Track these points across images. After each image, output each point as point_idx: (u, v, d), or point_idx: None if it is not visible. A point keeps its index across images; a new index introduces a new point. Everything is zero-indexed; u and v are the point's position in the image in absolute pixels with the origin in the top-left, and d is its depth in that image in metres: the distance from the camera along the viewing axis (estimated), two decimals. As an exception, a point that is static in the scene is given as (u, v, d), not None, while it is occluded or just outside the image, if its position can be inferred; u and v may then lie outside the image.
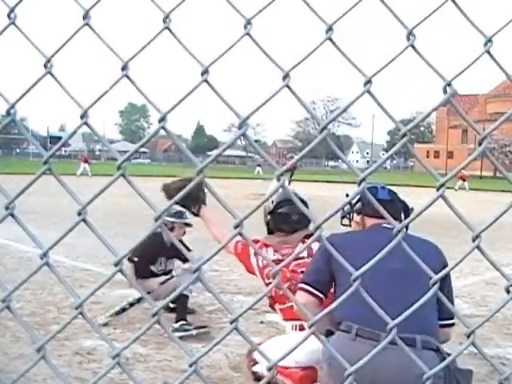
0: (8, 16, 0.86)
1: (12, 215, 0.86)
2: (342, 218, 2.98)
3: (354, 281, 0.86)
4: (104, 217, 11.17)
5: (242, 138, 0.84)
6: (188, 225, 5.19)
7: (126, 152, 0.95)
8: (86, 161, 34.21)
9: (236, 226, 0.81)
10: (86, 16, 0.84)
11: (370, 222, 2.73)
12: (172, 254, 5.14)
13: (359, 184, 0.85)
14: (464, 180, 30.78)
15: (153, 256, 5.09)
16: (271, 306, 3.47)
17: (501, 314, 5.33)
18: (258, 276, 3.43)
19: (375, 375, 2.04)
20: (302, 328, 3.19)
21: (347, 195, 3.18)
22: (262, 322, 5.10)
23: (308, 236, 3.47)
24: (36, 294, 5.74)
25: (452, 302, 2.49)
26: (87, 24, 0.84)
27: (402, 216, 2.71)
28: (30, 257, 7.42)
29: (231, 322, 0.84)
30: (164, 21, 0.82)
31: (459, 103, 58.86)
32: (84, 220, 0.84)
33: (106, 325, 4.77)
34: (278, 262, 3.31)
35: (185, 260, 5.16)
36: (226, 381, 3.79)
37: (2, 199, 0.85)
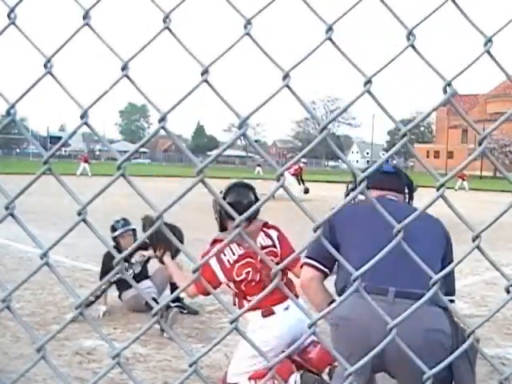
0: (8, 16, 0.86)
1: (12, 215, 0.86)
2: (346, 195, 3.00)
3: (354, 281, 0.86)
4: (104, 217, 11.13)
5: (242, 137, 0.84)
6: (134, 230, 5.42)
7: (126, 152, 0.95)
8: (85, 160, 34.20)
9: (236, 226, 0.81)
10: (85, 16, 0.84)
11: (374, 194, 2.66)
12: (129, 258, 5.25)
13: (359, 184, 0.85)
14: (463, 179, 30.79)
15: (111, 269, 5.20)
16: (240, 300, 3.43)
17: (501, 314, 5.33)
18: (225, 282, 3.36)
19: (385, 329, 2.02)
20: (271, 313, 3.24)
21: (347, 187, 3.14)
22: (262, 322, 5.09)
23: (265, 225, 3.52)
24: (36, 294, 5.74)
25: (453, 278, 2.47)
26: (87, 24, 0.84)
27: (406, 190, 2.71)
28: (30, 257, 7.42)
29: (231, 322, 0.84)
30: (164, 21, 0.82)
31: (459, 103, 58.86)
32: (84, 220, 0.84)
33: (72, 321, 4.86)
34: (245, 255, 3.34)
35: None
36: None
37: (2, 199, 0.85)
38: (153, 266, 5.47)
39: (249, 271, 3.35)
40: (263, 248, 3.41)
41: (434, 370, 0.91)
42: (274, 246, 3.47)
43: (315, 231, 0.84)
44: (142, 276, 5.38)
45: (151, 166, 66.15)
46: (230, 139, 0.95)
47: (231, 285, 3.41)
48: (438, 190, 0.86)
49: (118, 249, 5.35)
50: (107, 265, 5.25)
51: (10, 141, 74.86)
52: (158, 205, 0.82)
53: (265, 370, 3.16)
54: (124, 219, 5.46)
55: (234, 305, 3.49)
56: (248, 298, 3.36)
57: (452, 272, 2.51)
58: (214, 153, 0.88)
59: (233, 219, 3.33)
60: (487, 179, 47.30)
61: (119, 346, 0.84)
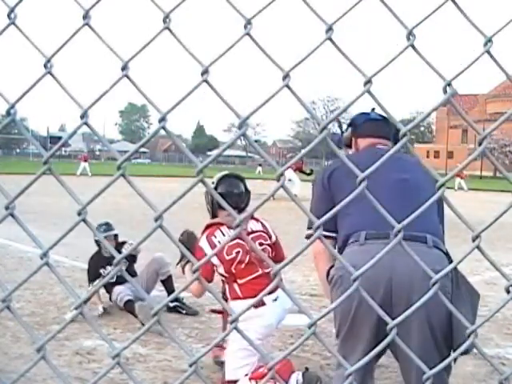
0: (8, 16, 0.86)
1: (12, 215, 0.86)
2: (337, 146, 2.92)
3: (354, 281, 0.86)
4: (104, 217, 11.15)
5: (241, 137, 0.84)
6: (116, 236, 5.47)
7: (126, 152, 0.95)
8: (85, 160, 34.26)
9: (236, 226, 0.81)
10: (86, 16, 0.84)
11: (363, 143, 2.64)
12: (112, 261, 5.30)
13: (359, 184, 0.85)
14: (462, 178, 30.79)
15: (97, 271, 5.29)
16: (230, 286, 3.51)
17: (501, 314, 5.33)
18: (216, 265, 3.48)
19: (391, 272, 2.03)
20: (262, 303, 3.29)
21: (340, 125, 3.02)
22: (262, 322, 5.09)
23: (253, 217, 3.66)
24: (36, 294, 5.74)
25: (442, 224, 2.47)
26: (87, 24, 0.84)
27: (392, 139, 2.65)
28: (30, 257, 7.42)
29: (231, 322, 0.84)
30: (164, 21, 0.82)
31: (459, 103, 58.86)
32: (84, 220, 0.84)
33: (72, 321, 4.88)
34: (235, 237, 3.38)
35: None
36: (226, 381, 3.79)
37: (2, 199, 0.84)
38: (140, 266, 5.49)
39: (239, 251, 3.47)
40: (253, 232, 3.57)
41: (434, 371, 0.91)
42: (264, 232, 3.62)
43: (315, 231, 0.84)
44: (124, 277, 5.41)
45: (151, 165, 66.14)
46: (230, 139, 0.95)
47: (221, 269, 3.49)
48: (437, 190, 0.86)
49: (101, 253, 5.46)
50: (93, 268, 5.34)
51: (10, 141, 74.86)
52: (157, 205, 0.82)
53: (265, 370, 3.20)
54: (107, 224, 5.49)
55: (224, 294, 3.57)
56: (238, 281, 3.45)
57: (442, 219, 2.48)
58: (214, 153, 0.88)
59: (223, 209, 3.33)
60: (487, 179, 47.31)
61: (119, 346, 0.84)
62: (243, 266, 3.45)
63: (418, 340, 2.05)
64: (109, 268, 5.25)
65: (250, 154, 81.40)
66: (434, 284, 0.90)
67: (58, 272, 0.88)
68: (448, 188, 0.90)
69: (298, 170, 19.11)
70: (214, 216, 3.65)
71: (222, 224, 3.56)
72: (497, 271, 0.95)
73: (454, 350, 2.14)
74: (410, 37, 0.84)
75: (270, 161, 0.92)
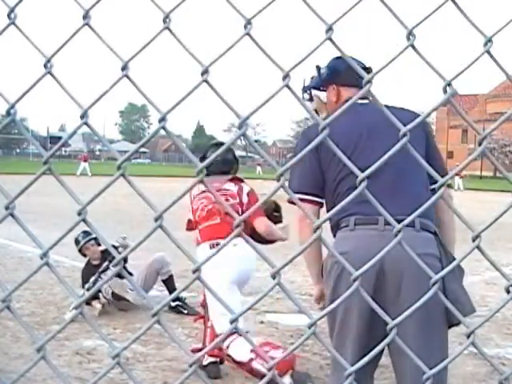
0: (8, 16, 0.86)
1: (12, 215, 0.85)
2: (303, 92, 2.56)
3: (354, 280, 0.86)
4: (104, 217, 11.17)
5: (241, 137, 0.84)
6: (96, 239, 5.42)
7: (126, 152, 0.95)
8: (85, 160, 34.38)
9: (236, 226, 0.81)
10: (86, 16, 0.84)
11: (347, 93, 2.38)
12: (104, 268, 5.32)
13: (359, 184, 0.85)
14: (461, 177, 30.75)
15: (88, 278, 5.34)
16: (191, 229, 3.98)
17: (501, 314, 5.33)
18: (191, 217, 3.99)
19: (382, 260, 1.97)
20: (218, 245, 3.65)
21: (318, 67, 2.74)
22: (261, 322, 5.10)
23: (235, 178, 4.03)
24: (36, 294, 5.74)
25: (441, 159, 2.40)
26: (87, 24, 0.84)
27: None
28: (30, 257, 7.42)
29: (231, 322, 0.84)
30: (164, 21, 0.82)
31: (459, 103, 58.86)
32: (84, 220, 0.84)
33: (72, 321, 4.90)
34: (206, 191, 3.86)
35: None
36: (226, 381, 3.80)
37: (2, 199, 0.84)
38: (136, 267, 5.49)
39: (203, 202, 3.94)
40: (223, 190, 3.91)
41: (434, 370, 0.91)
42: (236, 193, 3.90)
43: (315, 231, 0.84)
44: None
45: (151, 165, 66.14)
46: (230, 139, 0.95)
47: (191, 217, 3.98)
48: (437, 190, 0.86)
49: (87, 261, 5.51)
50: (85, 277, 5.36)
51: (10, 141, 74.84)
52: (157, 205, 0.82)
53: (269, 349, 3.46)
54: (84, 232, 5.37)
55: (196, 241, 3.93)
56: (199, 227, 3.90)
57: (438, 154, 2.37)
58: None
59: (212, 174, 3.84)
60: (487, 179, 47.30)
61: (119, 346, 0.84)
62: (204, 213, 3.88)
63: (415, 325, 2.03)
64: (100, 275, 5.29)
65: (250, 154, 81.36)
66: (433, 284, 0.90)
67: (57, 272, 0.88)
68: (448, 187, 0.90)
69: None
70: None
71: (201, 181, 3.91)
72: (497, 271, 0.95)
73: (450, 326, 2.15)
74: (410, 37, 0.84)
75: (270, 161, 0.92)
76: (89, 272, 5.34)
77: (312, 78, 2.59)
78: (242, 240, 3.28)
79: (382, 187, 1.91)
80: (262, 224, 3.58)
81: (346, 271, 2.09)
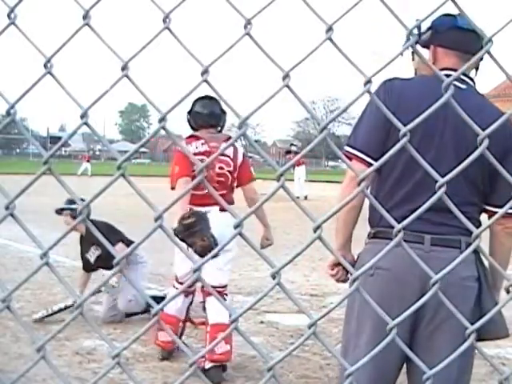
0: (8, 16, 0.86)
1: (12, 215, 0.85)
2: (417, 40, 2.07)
3: (354, 281, 0.86)
4: (104, 217, 11.12)
5: (241, 137, 0.84)
6: (73, 210, 4.65)
7: (126, 152, 0.95)
8: (88, 160, 34.71)
9: (236, 226, 0.81)
10: (86, 16, 0.84)
11: (445, 57, 2.01)
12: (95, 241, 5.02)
13: (359, 184, 0.85)
14: None
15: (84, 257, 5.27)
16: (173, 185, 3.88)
17: (501, 314, 5.32)
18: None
19: (421, 281, 1.89)
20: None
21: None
22: (261, 322, 5.10)
23: (230, 137, 3.95)
24: (36, 294, 5.74)
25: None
26: (87, 24, 0.84)
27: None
28: (30, 257, 7.42)
29: (231, 322, 0.84)
30: (164, 21, 0.82)
31: (459, 103, 58.59)
32: (84, 220, 0.84)
33: (40, 320, 4.90)
34: (208, 152, 3.74)
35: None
36: (226, 381, 3.80)
37: (2, 199, 0.84)
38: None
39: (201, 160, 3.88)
40: (222, 155, 3.80)
41: (434, 370, 0.91)
42: (231, 158, 3.83)
43: (315, 231, 0.84)
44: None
45: (151, 165, 66.12)
46: (230, 139, 0.95)
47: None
48: (437, 190, 0.86)
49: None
50: (82, 253, 5.24)
51: (10, 141, 74.79)
52: (157, 205, 0.82)
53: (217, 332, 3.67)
54: (69, 200, 4.82)
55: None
56: (193, 192, 3.83)
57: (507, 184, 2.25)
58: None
59: (204, 127, 4.01)
60: (487, 179, 47.15)
61: (119, 346, 0.84)
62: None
63: (449, 339, 2.00)
64: (92, 249, 5.10)
65: (250, 154, 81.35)
66: (433, 284, 0.90)
67: (57, 272, 0.88)
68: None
69: (302, 164, 19.94)
70: (194, 130, 4.02)
71: (199, 138, 3.88)
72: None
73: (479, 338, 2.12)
74: (410, 37, 0.85)
75: (270, 161, 0.92)
76: (82, 247, 5.18)
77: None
78: (215, 208, 3.34)
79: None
80: (251, 191, 3.95)
81: (377, 284, 1.98)
